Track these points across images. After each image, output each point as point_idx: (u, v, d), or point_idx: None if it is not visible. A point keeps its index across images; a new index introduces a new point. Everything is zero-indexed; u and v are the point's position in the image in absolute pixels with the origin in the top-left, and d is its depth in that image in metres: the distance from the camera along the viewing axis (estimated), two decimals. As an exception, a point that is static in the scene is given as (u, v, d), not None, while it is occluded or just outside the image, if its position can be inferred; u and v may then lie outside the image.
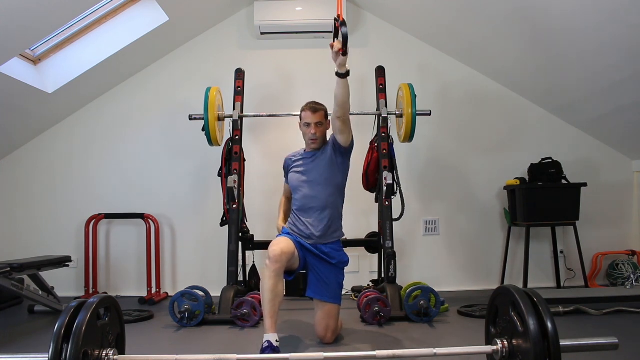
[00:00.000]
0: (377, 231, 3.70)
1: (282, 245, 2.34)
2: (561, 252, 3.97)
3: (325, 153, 2.59)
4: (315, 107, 2.57)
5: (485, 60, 4.02)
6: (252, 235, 3.57)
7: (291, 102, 3.90)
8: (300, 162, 2.66)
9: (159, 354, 2.24)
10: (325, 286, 2.49)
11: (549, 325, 1.42)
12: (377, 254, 3.72)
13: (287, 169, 2.75)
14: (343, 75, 2.30)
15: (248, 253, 3.62)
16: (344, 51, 2.18)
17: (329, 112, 2.64)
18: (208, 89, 3.35)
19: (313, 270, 2.52)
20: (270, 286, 2.24)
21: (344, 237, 2.66)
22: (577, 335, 1.53)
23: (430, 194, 4.09)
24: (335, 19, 2.24)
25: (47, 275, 3.28)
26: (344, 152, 2.59)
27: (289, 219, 2.65)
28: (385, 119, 3.38)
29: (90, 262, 3.80)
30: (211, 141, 3.39)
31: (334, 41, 2.27)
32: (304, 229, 2.53)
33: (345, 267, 2.63)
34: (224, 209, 3.40)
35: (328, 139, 2.64)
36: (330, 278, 2.52)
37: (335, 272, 2.55)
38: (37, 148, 4.03)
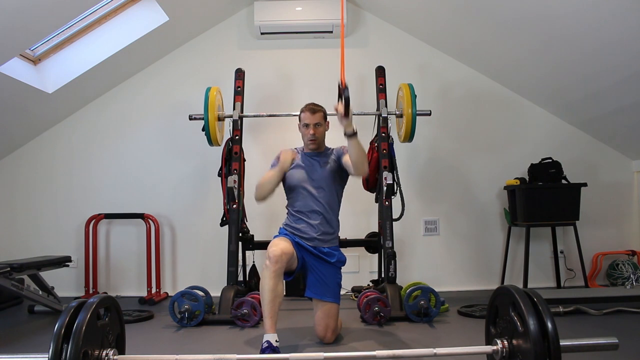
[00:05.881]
0: (377, 231, 3.70)
1: (281, 245, 2.34)
2: (561, 252, 3.96)
3: (331, 161, 2.61)
4: (314, 108, 2.58)
5: (485, 60, 4.02)
6: (252, 235, 3.57)
7: (291, 102, 3.90)
8: (302, 161, 2.64)
9: (159, 354, 2.24)
10: (325, 286, 2.50)
11: (549, 325, 1.42)
12: (377, 254, 3.72)
13: (283, 163, 2.64)
14: (350, 135, 2.28)
15: (248, 253, 3.62)
16: (346, 113, 2.19)
17: (327, 113, 2.66)
18: (208, 89, 3.35)
19: (312, 271, 2.53)
20: (270, 286, 2.25)
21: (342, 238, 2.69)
22: (577, 335, 1.53)
23: (430, 194, 4.08)
24: (338, 85, 2.25)
25: (47, 275, 3.28)
26: (348, 173, 2.63)
27: (285, 219, 2.64)
28: (385, 119, 3.39)
29: (90, 262, 3.80)
30: (211, 141, 3.39)
31: (338, 104, 2.27)
32: (308, 230, 2.53)
33: (345, 267, 2.64)
34: (224, 209, 3.40)
35: (334, 150, 2.65)
36: (329, 278, 2.52)
37: (333, 272, 2.55)
38: (37, 148, 4.03)
